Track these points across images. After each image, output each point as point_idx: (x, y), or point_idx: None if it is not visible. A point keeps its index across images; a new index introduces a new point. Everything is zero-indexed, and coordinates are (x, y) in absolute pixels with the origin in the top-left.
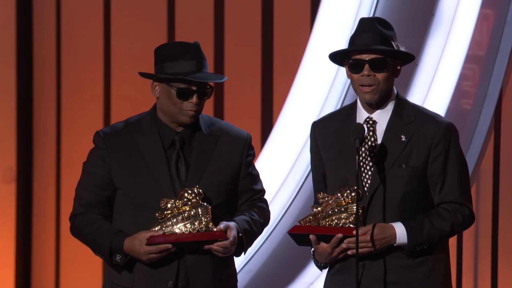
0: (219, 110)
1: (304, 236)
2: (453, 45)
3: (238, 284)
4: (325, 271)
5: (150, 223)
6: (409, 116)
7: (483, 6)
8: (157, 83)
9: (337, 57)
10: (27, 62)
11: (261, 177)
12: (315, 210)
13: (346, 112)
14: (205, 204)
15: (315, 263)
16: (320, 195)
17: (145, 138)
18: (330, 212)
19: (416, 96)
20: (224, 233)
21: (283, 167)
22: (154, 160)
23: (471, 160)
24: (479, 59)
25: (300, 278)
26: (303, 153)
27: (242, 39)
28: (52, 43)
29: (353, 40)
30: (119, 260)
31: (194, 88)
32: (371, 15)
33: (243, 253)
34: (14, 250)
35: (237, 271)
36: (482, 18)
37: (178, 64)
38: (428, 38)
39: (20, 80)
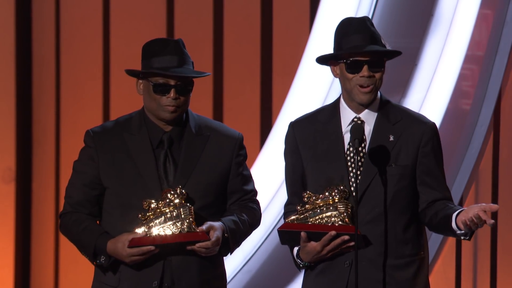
0: (218, 110)
1: (294, 233)
2: (452, 45)
3: (238, 284)
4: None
5: (137, 223)
6: (396, 116)
7: (482, 6)
8: (140, 81)
9: (324, 58)
10: (26, 62)
11: (260, 177)
12: (300, 209)
13: (328, 112)
14: (187, 204)
15: (294, 262)
16: (306, 194)
17: (134, 138)
18: (318, 210)
19: (415, 96)
20: (206, 234)
21: (282, 167)
22: (142, 160)
23: (470, 160)
24: (478, 59)
25: (300, 278)
26: None
27: (241, 39)
28: (51, 43)
29: (343, 41)
30: (103, 261)
31: (171, 82)
32: (370, 15)
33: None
34: (14, 250)
35: (237, 271)
36: (481, 18)
37: (156, 59)
38: (427, 38)
39: (19, 80)
